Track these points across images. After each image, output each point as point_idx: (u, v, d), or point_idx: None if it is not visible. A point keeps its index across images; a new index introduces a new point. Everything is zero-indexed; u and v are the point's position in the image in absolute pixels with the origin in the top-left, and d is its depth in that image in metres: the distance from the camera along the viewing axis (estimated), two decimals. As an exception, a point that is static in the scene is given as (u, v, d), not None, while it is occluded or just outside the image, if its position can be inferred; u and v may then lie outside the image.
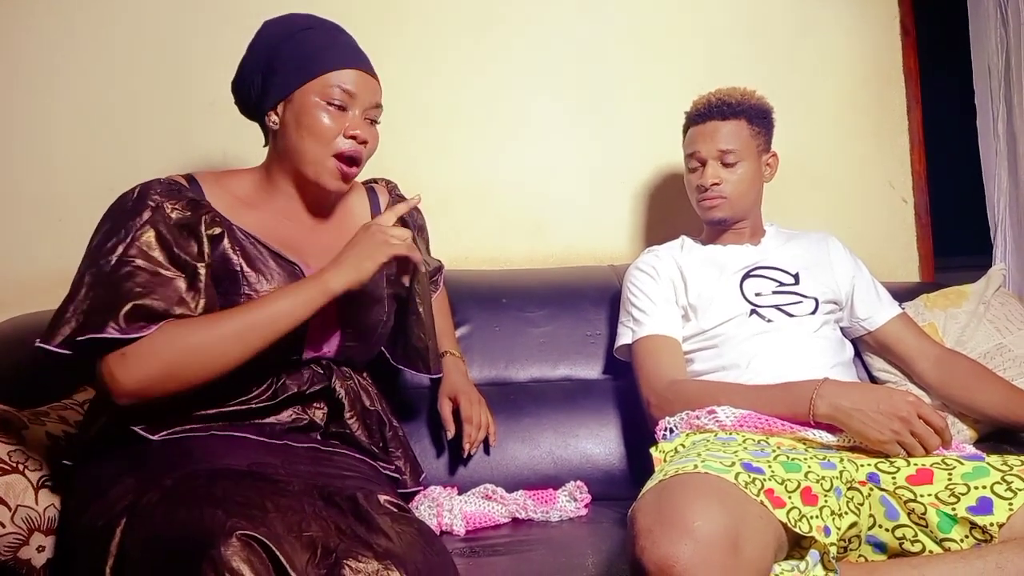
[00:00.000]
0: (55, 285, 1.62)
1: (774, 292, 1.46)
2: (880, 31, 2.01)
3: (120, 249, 1.06)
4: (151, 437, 1.06)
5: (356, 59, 1.20)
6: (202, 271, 1.08)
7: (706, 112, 1.49)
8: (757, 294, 1.45)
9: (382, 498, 1.01)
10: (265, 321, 1.07)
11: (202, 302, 1.07)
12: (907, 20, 2.01)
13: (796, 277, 1.48)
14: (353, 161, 1.18)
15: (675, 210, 1.84)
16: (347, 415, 1.20)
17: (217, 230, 1.13)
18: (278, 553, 0.84)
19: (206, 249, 1.10)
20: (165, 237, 1.08)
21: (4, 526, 1.04)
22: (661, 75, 1.91)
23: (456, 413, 1.38)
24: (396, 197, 1.38)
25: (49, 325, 1.04)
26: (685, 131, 1.55)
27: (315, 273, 1.12)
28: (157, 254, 1.07)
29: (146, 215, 1.08)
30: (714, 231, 1.55)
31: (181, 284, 1.06)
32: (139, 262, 1.05)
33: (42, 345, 1.02)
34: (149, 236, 1.07)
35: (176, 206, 1.11)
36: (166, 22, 1.76)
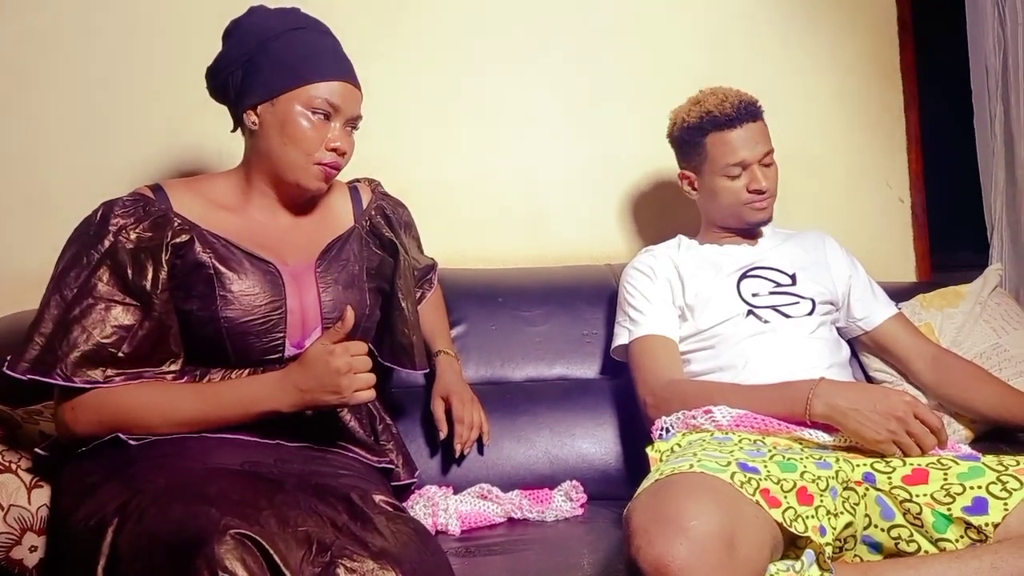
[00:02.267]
0: (49, 284, 1.62)
1: (771, 293, 1.45)
2: (878, 28, 2.00)
3: (81, 279, 1.08)
4: (132, 443, 1.07)
5: (343, 70, 1.20)
6: (156, 300, 1.10)
7: (736, 116, 1.43)
8: (754, 295, 1.45)
9: (377, 498, 1.01)
10: (208, 420, 1.09)
11: (152, 337, 1.09)
12: (905, 17, 2.01)
13: (793, 278, 1.48)
14: (334, 168, 1.20)
15: (672, 209, 1.84)
16: (338, 416, 1.20)
17: (184, 237, 1.14)
18: (272, 551, 0.83)
19: (163, 275, 1.11)
20: (122, 265, 1.10)
21: (-3, 526, 1.04)
22: (658, 73, 1.90)
23: (449, 413, 1.38)
24: (380, 195, 1.37)
25: (18, 348, 1.07)
26: (703, 136, 1.46)
27: (275, 384, 1.09)
28: (112, 284, 1.09)
29: (107, 242, 1.10)
30: (713, 231, 1.55)
31: (134, 314, 1.09)
32: (94, 296, 1.08)
33: (11, 374, 1.06)
34: (107, 267, 1.09)
35: (137, 228, 1.12)
36: (160, 19, 1.75)
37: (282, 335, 1.16)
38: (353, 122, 1.21)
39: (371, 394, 1.09)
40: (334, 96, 1.17)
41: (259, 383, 1.11)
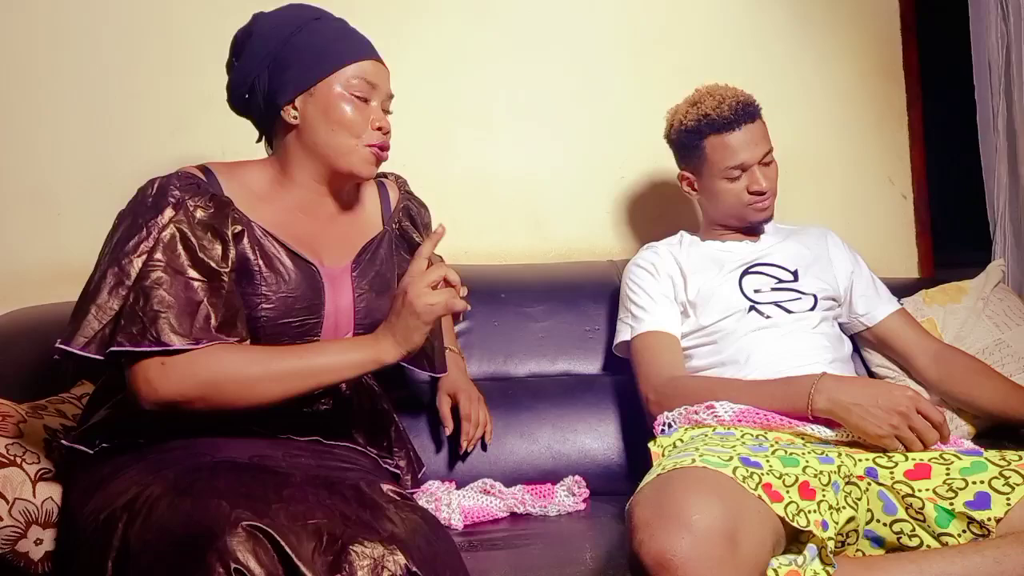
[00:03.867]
0: (53, 279, 1.63)
1: (773, 289, 1.46)
2: (880, 26, 2.00)
3: (144, 251, 1.05)
4: (141, 440, 1.06)
5: (371, 49, 1.20)
6: (225, 276, 1.08)
7: (734, 118, 1.43)
8: (756, 291, 1.45)
9: (385, 487, 1.02)
10: (311, 371, 1.07)
11: (223, 310, 1.06)
12: (907, 15, 2.01)
13: (795, 274, 1.48)
14: (383, 148, 1.19)
15: (674, 205, 1.84)
16: (351, 415, 1.20)
17: (238, 228, 1.12)
18: (283, 544, 0.84)
19: (231, 252, 1.09)
20: (189, 239, 1.07)
21: (2, 519, 1.04)
22: (660, 69, 1.90)
23: (455, 410, 1.38)
24: (406, 195, 1.38)
25: (70, 324, 1.04)
26: (701, 139, 1.45)
27: (370, 339, 1.10)
28: (182, 258, 1.06)
29: (168, 213, 1.07)
30: (715, 228, 1.55)
31: (205, 290, 1.06)
32: (165, 268, 1.04)
33: (67, 348, 1.02)
34: (173, 238, 1.06)
35: (199, 203, 1.09)
36: (164, 14, 1.75)
37: (316, 339, 1.16)
38: (388, 102, 1.21)
39: (446, 296, 1.07)
40: (369, 75, 1.17)
41: (359, 355, 1.09)
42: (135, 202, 1.11)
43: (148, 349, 1.01)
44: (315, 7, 1.22)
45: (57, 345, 1.03)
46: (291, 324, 1.14)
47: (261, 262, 1.13)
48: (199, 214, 1.09)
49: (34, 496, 1.08)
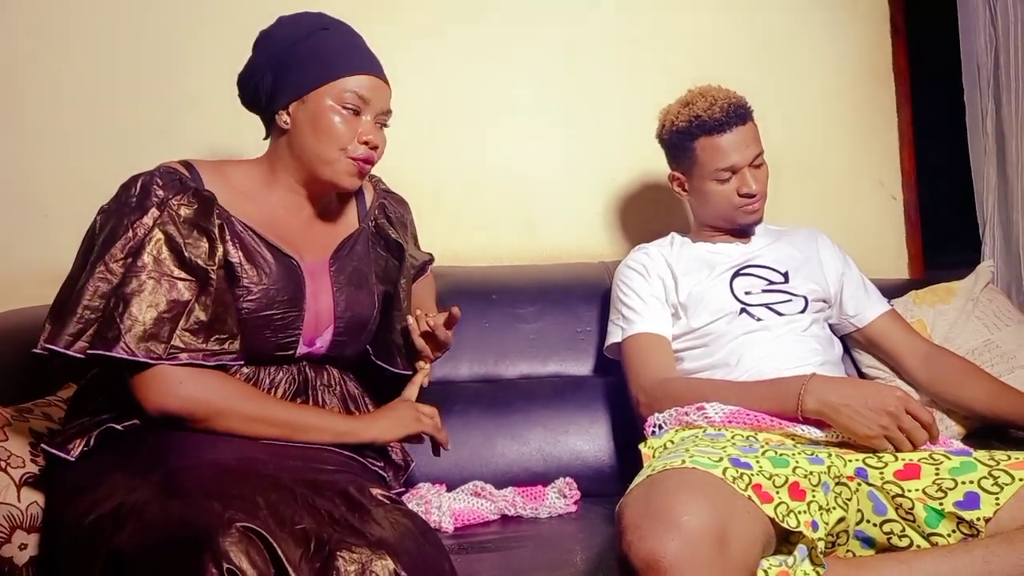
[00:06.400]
0: (41, 282, 1.61)
1: (763, 291, 1.46)
2: (870, 29, 2.01)
3: (130, 253, 1.06)
4: (118, 427, 1.06)
5: (371, 65, 1.21)
6: (213, 273, 1.09)
7: (725, 120, 1.42)
8: (747, 292, 1.45)
9: (375, 491, 1.01)
10: (296, 425, 1.12)
11: (212, 307, 1.08)
12: (897, 18, 2.02)
13: (786, 276, 1.48)
14: (367, 162, 1.20)
15: (666, 207, 1.84)
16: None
17: (218, 222, 1.13)
18: (275, 546, 0.83)
19: (218, 249, 1.10)
20: (175, 239, 1.08)
21: (-14, 524, 1.03)
22: (651, 72, 1.90)
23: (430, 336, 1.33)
24: (382, 193, 1.39)
25: (53, 322, 1.04)
26: (692, 140, 1.45)
27: (354, 418, 1.21)
28: (168, 261, 1.07)
29: (153, 214, 1.08)
30: (705, 230, 1.55)
31: (193, 289, 1.07)
32: (150, 272, 1.05)
33: (53, 347, 1.03)
34: (158, 241, 1.07)
35: (183, 201, 1.10)
36: (151, 16, 1.75)
37: (298, 332, 1.17)
38: (383, 117, 1.21)
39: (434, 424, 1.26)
40: (363, 89, 1.18)
41: (339, 426, 1.17)
42: (118, 201, 1.11)
43: (119, 356, 1.02)
44: (326, 16, 1.23)
45: (42, 344, 1.04)
46: (273, 317, 1.15)
47: (241, 256, 1.14)
48: (183, 212, 1.10)
49: (19, 500, 1.07)
